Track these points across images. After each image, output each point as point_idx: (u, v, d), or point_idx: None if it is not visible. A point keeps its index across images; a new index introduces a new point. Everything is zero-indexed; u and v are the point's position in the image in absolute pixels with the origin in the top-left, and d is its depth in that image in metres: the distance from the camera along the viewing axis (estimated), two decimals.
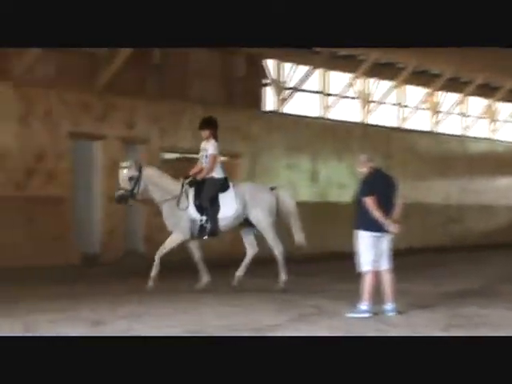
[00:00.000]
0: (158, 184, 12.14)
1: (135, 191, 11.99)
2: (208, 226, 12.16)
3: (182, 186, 12.19)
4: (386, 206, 9.68)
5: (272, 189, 12.90)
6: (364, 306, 9.64)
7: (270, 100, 22.02)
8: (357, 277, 10.00)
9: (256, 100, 21.37)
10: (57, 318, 9.19)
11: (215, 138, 12.41)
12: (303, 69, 22.16)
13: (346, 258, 11.78)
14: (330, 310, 10.17)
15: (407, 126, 25.89)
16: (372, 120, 24.61)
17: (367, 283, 9.68)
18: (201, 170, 12.42)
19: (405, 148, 25.30)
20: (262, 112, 21.55)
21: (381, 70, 23.96)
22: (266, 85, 21.86)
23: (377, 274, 9.77)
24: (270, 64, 21.85)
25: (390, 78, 24.38)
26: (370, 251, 9.67)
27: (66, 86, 16.98)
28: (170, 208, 12.13)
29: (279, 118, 21.84)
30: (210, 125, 12.47)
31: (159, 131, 18.94)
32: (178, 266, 13.26)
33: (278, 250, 12.58)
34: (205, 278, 12.41)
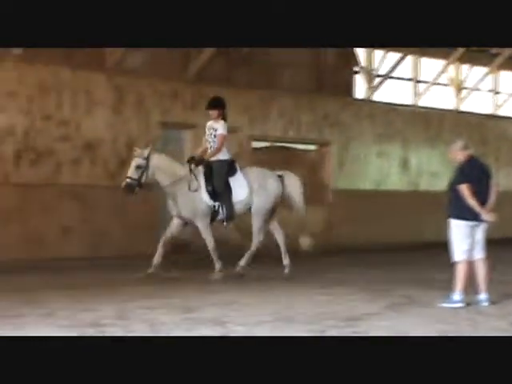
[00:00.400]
0: (166, 170, 12.06)
1: (142, 180, 11.92)
2: (221, 211, 12.14)
3: (190, 169, 12.09)
4: (481, 194, 9.50)
5: (279, 176, 12.74)
6: (457, 295, 9.50)
7: (360, 87, 21.85)
8: (450, 266, 9.86)
9: (346, 88, 21.23)
10: (149, 305, 9.32)
11: (223, 118, 12.32)
12: (394, 56, 21.91)
13: (439, 248, 11.64)
14: (422, 299, 10.05)
15: (501, 112, 25.37)
16: (465, 107, 24.19)
17: (460, 273, 9.53)
18: (206, 150, 12.33)
19: (499, 135, 24.81)
20: (352, 100, 21.40)
21: (474, 56, 23.50)
22: (356, 72, 21.71)
23: (470, 264, 9.61)
24: (361, 51, 21.68)
25: (484, 64, 23.90)
26: (465, 240, 9.51)
27: (157, 76, 17.18)
28: (184, 195, 12.04)
29: (370, 106, 21.65)
30: (218, 105, 12.35)
31: (248, 120, 19.00)
32: (267, 255, 13.27)
33: (256, 241, 12.44)
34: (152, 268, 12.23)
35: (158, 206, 16.86)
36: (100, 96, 16.35)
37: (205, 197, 12.05)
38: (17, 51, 14.74)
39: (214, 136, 12.19)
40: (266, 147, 20.36)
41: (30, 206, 15.06)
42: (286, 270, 12.48)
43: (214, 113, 12.28)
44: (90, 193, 15.93)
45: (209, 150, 12.27)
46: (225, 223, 12.37)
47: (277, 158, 20.50)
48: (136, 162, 11.94)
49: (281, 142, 20.40)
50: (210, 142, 12.26)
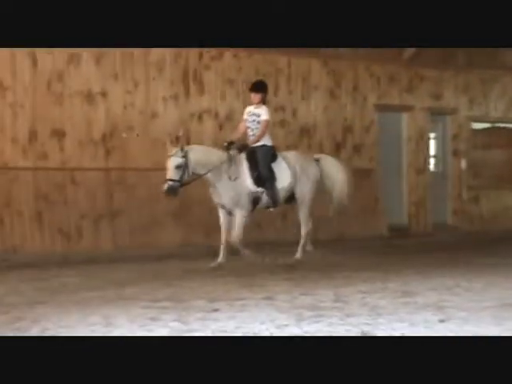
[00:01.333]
0: (206, 162, 11.23)
1: (184, 179, 11.08)
2: (265, 197, 11.56)
3: (230, 155, 11.40)
4: None
5: (316, 160, 12.30)
6: None
7: None
8: None
9: None
10: (367, 289, 9.25)
11: (265, 103, 11.74)
12: None
13: None
14: None
15: None
16: None
17: None
18: (243, 135, 11.80)
19: None
20: None
21: None
22: None
23: None
24: None
25: None
26: None
27: (372, 59, 17.09)
28: (225, 184, 11.35)
29: None
30: (261, 89, 11.73)
31: (468, 101, 18.55)
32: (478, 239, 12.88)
33: (306, 228, 12.18)
34: (221, 259, 11.59)
35: (377, 192, 16.91)
36: (316, 81, 16.47)
37: (249, 183, 11.45)
38: None
39: (258, 122, 11.62)
40: (487, 128, 19.77)
41: None
42: (297, 255, 12.19)
43: (256, 96, 11.68)
44: None
45: (250, 136, 11.75)
46: (271, 209, 11.87)
47: (498, 140, 19.89)
48: (174, 161, 11.04)
49: (502, 122, 19.72)
50: (252, 129, 11.70)
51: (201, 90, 14.99)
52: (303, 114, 16.27)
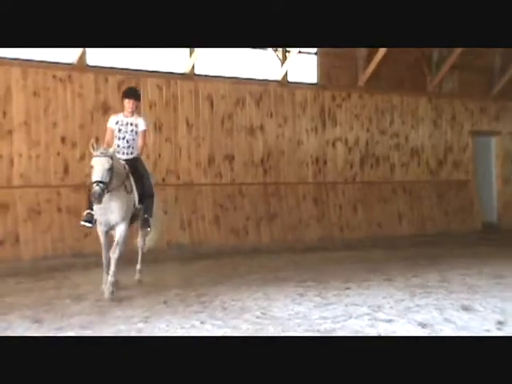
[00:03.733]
0: (117, 171, 7.55)
1: (109, 184, 7.33)
2: (141, 215, 8.04)
3: (125, 168, 7.87)
4: None
5: None
6: None
7: None
8: None
9: None
10: (466, 273, 8.96)
11: (138, 113, 8.43)
12: None
13: None
14: None
15: None
16: None
17: None
18: (111, 145, 7.81)
19: None
20: None
21: None
22: None
23: None
24: None
25: None
26: None
27: (466, 96, 16.67)
28: (120, 197, 7.63)
29: None
30: (138, 96, 8.28)
31: None
32: None
33: (147, 242, 8.68)
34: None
35: (473, 197, 16.44)
36: (422, 114, 16.17)
37: (135, 198, 7.93)
38: (361, 83, 15.06)
39: (136, 133, 8.13)
40: None
41: (371, 198, 15.23)
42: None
43: (132, 104, 8.12)
44: (416, 187, 15.82)
45: (124, 148, 8.14)
46: (149, 228, 8.24)
47: None
48: (105, 162, 7.28)
49: None
50: (128, 140, 8.14)
51: (334, 123, 14.93)
52: (413, 139, 15.96)
